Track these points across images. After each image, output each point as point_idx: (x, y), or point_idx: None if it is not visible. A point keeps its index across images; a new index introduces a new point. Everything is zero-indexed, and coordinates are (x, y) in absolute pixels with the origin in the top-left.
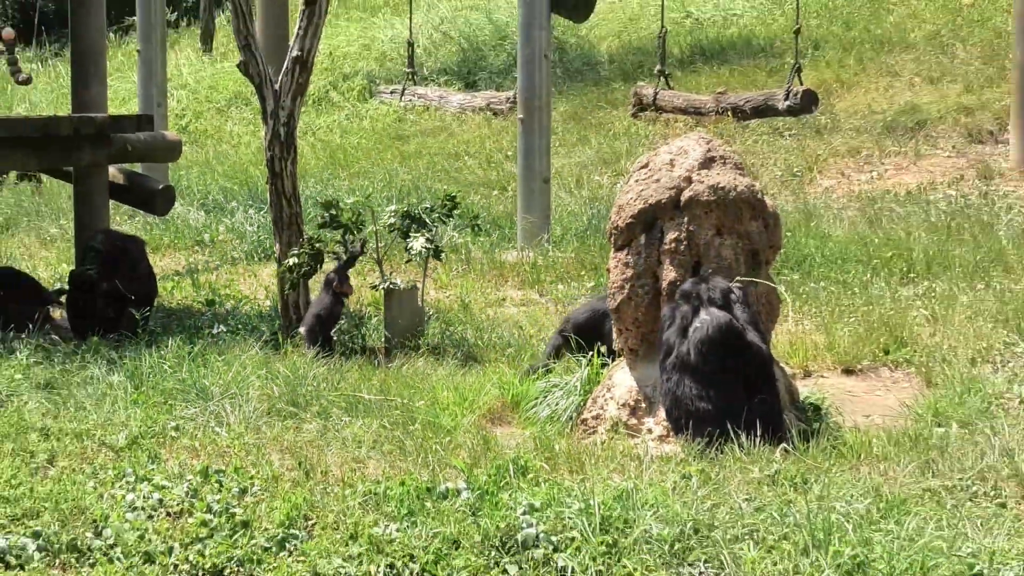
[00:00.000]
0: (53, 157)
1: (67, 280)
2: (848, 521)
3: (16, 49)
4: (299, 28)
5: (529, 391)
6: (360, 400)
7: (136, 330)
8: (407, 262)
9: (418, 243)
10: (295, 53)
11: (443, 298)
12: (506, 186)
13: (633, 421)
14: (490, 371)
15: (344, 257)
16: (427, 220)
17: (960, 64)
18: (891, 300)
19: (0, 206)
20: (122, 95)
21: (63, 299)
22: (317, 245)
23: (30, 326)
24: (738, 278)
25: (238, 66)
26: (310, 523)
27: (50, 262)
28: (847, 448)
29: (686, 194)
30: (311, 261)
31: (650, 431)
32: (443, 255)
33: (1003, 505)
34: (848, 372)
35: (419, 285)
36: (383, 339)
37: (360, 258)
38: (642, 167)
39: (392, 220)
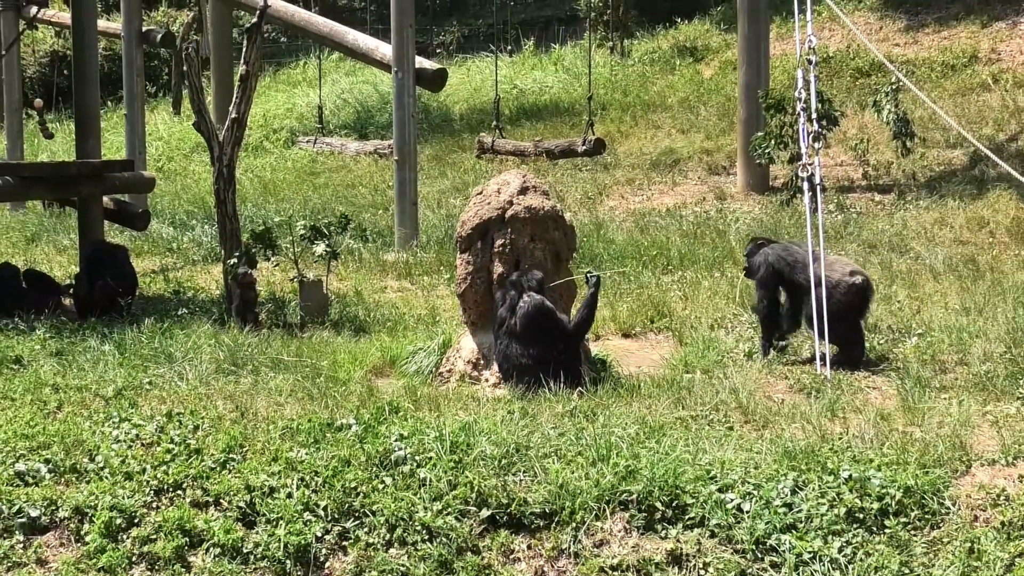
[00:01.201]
0: (63, 191)
1: (72, 277)
2: (623, 441)
3: (44, 113)
4: (236, 97)
5: (402, 353)
6: (281, 361)
7: (122, 313)
8: (315, 261)
9: (320, 248)
10: (233, 115)
11: (342, 287)
12: (387, 207)
13: (475, 373)
14: (375, 339)
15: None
16: (328, 232)
17: (702, 120)
18: (656, 285)
19: (28, 224)
20: (116, 146)
21: (71, 291)
22: (251, 251)
23: (46, 311)
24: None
25: (193, 125)
26: (244, 450)
27: (63, 265)
28: (623, 390)
29: (509, 212)
30: (246, 262)
31: (487, 380)
32: (340, 256)
33: (731, 428)
34: (626, 336)
35: (324, 278)
36: (299, 317)
37: (275, 259)
38: (478, 193)
39: (303, 232)
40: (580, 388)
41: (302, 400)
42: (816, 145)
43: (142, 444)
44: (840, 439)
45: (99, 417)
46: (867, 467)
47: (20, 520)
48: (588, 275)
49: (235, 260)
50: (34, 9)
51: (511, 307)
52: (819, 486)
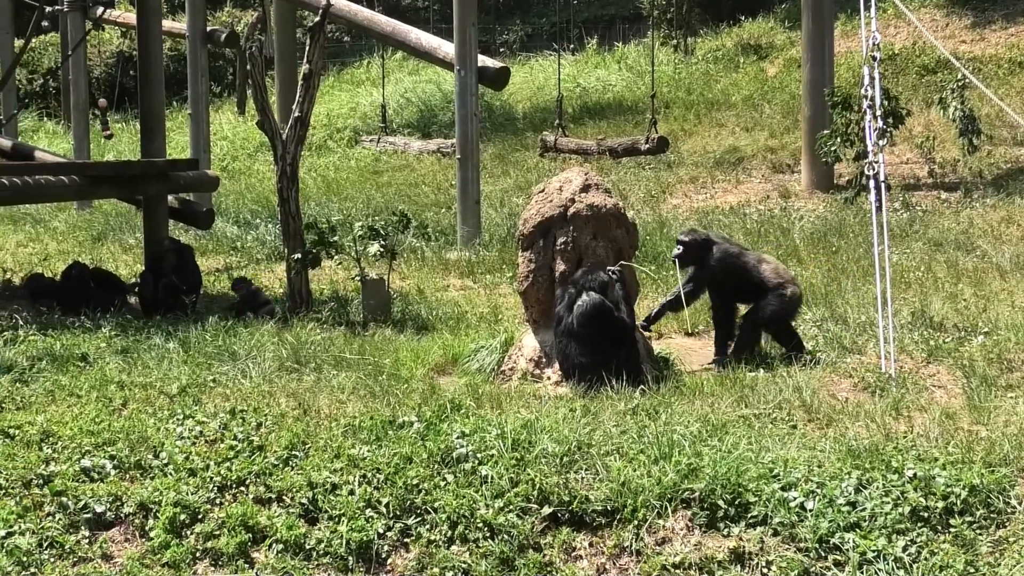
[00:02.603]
0: (128, 190)
1: (138, 276)
2: (685, 439)
3: (107, 113)
4: (299, 96)
5: (464, 351)
6: (344, 359)
7: (187, 311)
8: (376, 260)
9: (373, 248)
10: (296, 114)
11: (404, 285)
12: (450, 206)
13: (536, 371)
14: (437, 337)
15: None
16: (384, 232)
17: (766, 117)
18: None
19: (94, 224)
20: (181, 146)
21: (136, 290)
22: (314, 250)
23: (112, 309)
24: (621, 263)
25: (257, 124)
26: (306, 447)
27: (128, 264)
28: (686, 388)
29: (571, 210)
30: (310, 258)
31: (548, 378)
32: (399, 255)
33: (794, 427)
34: (688, 335)
35: (386, 277)
36: (361, 316)
37: (338, 257)
38: (540, 191)
39: (361, 232)
40: (642, 386)
41: (364, 398)
42: (881, 143)
43: (206, 441)
44: (904, 438)
45: (163, 414)
46: (932, 466)
47: (86, 515)
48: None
49: (298, 258)
50: (100, 10)
51: (569, 305)
52: (883, 485)
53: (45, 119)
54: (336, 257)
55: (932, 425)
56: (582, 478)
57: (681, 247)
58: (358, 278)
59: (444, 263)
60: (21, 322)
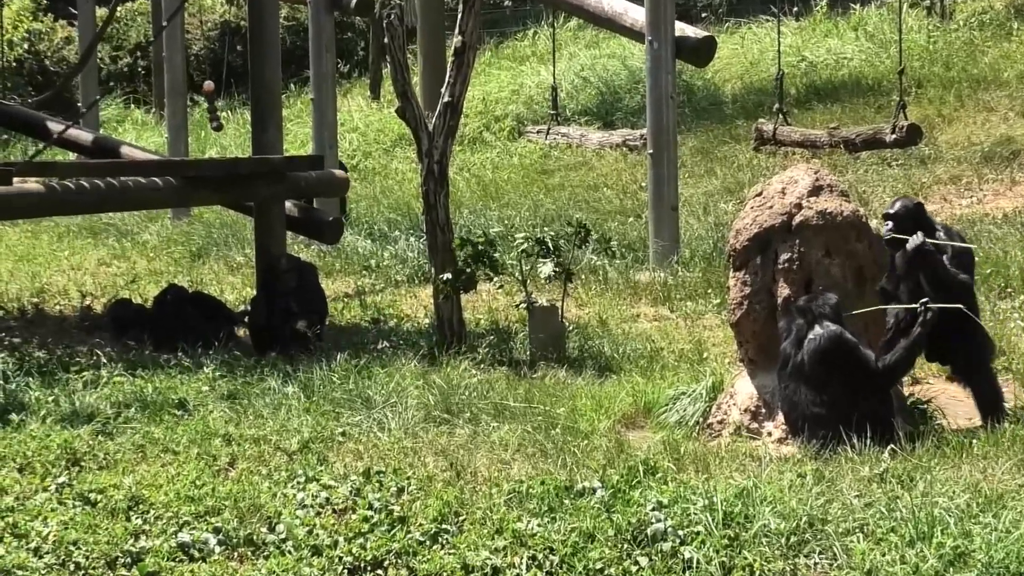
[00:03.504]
0: (235, 194)
1: (248, 302)
2: (950, 515)
3: (215, 99)
4: (449, 77)
5: (659, 398)
6: (507, 407)
7: (309, 347)
8: (547, 283)
9: (546, 268)
10: (446, 99)
11: (582, 315)
12: (640, 214)
13: (754, 425)
14: (624, 380)
15: None
16: (557, 246)
17: None
18: (991, 313)
19: (193, 237)
20: (301, 138)
21: (246, 319)
22: (468, 270)
23: (216, 343)
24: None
25: (396, 111)
26: (460, 519)
27: (235, 286)
28: (950, 448)
29: (797, 219)
30: (464, 279)
31: (769, 434)
32: (576, 276)
33: None
34: (951, 379)
35: (559, 304)
36: (527, 352)
37: (498, 279)
38: (757, 195)
39: (525, 247)
40: (892, 445)
41: (533, 457)
42: None
43: (333, 510)
44: None
45: (280, 476)
46: None
47: None
48: (923, 304)
49: (448, 279)
50: None
51: (798, 340)
52: None
53: (132, 106)
54: (496, 279)
55: None
56: (815, 563)
57: (891, 221)
58: (524, 305)
59: (633, 286)
60: (104, 359)
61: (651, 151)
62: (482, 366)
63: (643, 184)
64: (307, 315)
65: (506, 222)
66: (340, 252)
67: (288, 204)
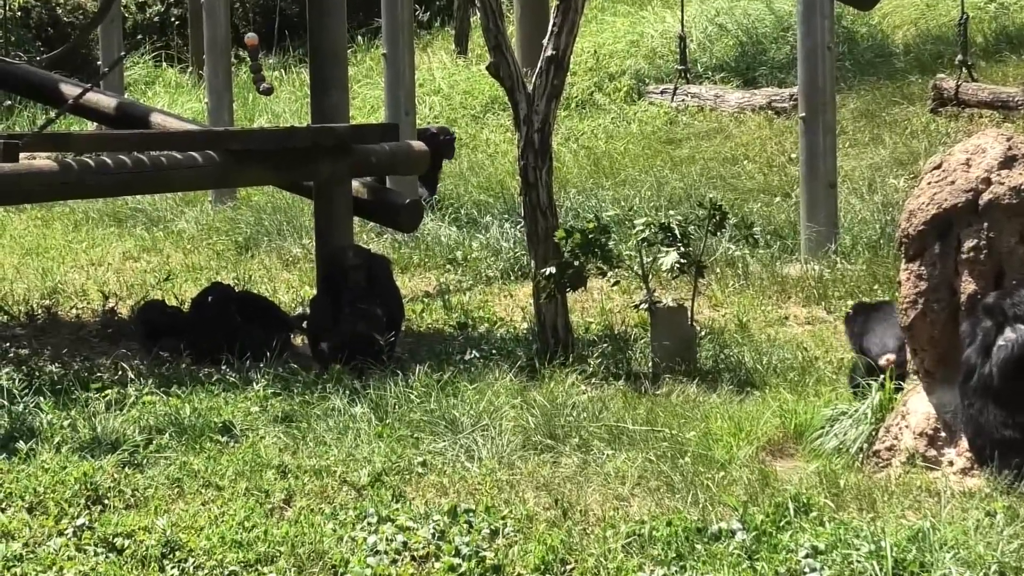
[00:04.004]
0: (290, 172)
1: (306, 304)
2: None
3: (260, 56)
4: (553, 26)
5: (813, 419)
6: (624, 431)
7: (381, 357)
8: (673, 278)
9: (668, 259)
10: (549, 52)
11: (717, 317)
12: (789, 192)
13: (931, 452)
14: (770, 398)
15: None
16: (685, 233)
17: None
18: None
19: (239, 225)
20: (371, 103)
21: (304, 324)
22: (576, 262)
23: (268, 354)
24: None
25: (487, 68)
26: (568, 567)
27: (292, 284)
28: None
29: (985, 197)
30: (570, 274)
31: (951, 463)
32: (705, 271)
33: None
34: None
35: (688, 304)
36: (649, 363)
37: (614, 274)
38: (934, 168)
39: (648, 235)
40: None
41: (657, 492)
42: None
43: (412, 558)
44: None
45: (347, 516)
46: None
47: None
48: None
49: (551, 274)
50: None
51: (984, 347)
52: None
53: (164, 65)
54: (610, 274)
55: None
56: None
57: None
58: (644, 305)
59: (780, 282)
60: (131, 374)
61: (803, 114)
62: (593, 380)
63: (793, 155)
64: (379, 319)
65: (623, 204)
66: (419, 242)
67: (355, 184)
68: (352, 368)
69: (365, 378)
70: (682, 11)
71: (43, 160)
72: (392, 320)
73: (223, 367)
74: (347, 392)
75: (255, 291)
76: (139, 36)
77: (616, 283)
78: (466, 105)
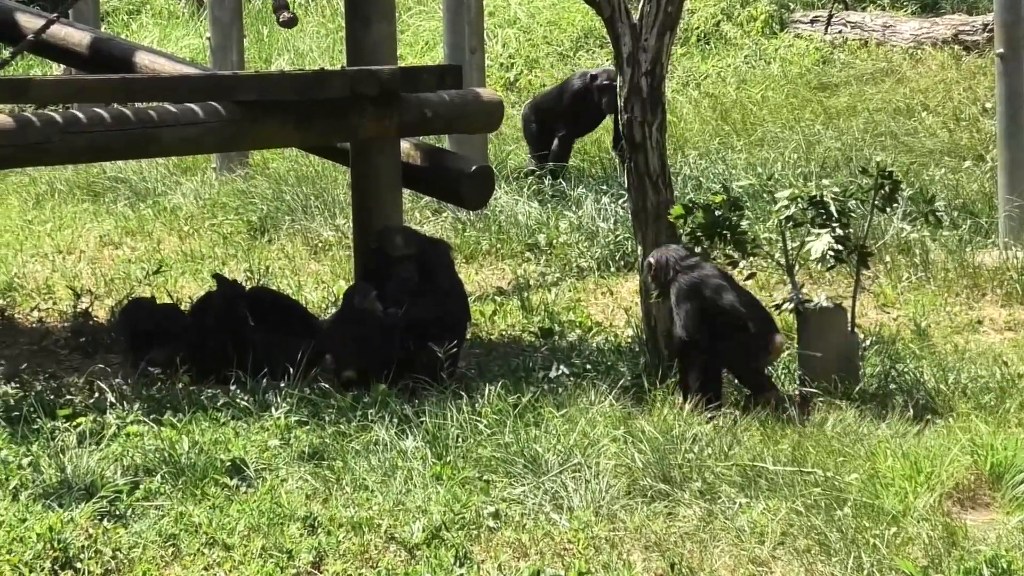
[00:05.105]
0: (320, 130)
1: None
2: None
3: None
4: None
5: (1017, 458)
6: (762, 472)
7: (439, 372)
8: (829, 268)
9: (821, 244)
10: None
11: (887, 321)
12: (983, 154)
13: None
14: (958, 428)
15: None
16: (843, 210)
17: None
18: None
19: (253, 199)
20: (425, 38)
21: None
22: (698, 249)
23: (292, 368)
24: None
25: None
26: None
27: (322, 278)
28: None
29: None
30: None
31: None
32: (871, 258)
33: None
34: None
35: (849, 303)
36: (796, 381)
37: (748, 262)
38: None
39: (792, 211)
40: None
41: (806, 554)
42: None
43: None
44: None
45: None
46: None
47: None
48: None
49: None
50: None
51: None
52: None
53: None
54: (744, 263)
55: None
56: None
57: None
58: (789, 306)
59: (971, 274)
60: (111, 397)
61: (1000, 50)
62: (721, 405)
63: (988, 105)
64: (436, 324)
65: (760, 171)
66: (489, 222)
67: (405, 145)
68: (402, 388)
69: (419, 401)
70: None
71: None
72: (455, 322)
73: (232, 387)
74: (395, 420)
75: (273, 287)
76: None
77: (751, 275)
78: (551, 40)
